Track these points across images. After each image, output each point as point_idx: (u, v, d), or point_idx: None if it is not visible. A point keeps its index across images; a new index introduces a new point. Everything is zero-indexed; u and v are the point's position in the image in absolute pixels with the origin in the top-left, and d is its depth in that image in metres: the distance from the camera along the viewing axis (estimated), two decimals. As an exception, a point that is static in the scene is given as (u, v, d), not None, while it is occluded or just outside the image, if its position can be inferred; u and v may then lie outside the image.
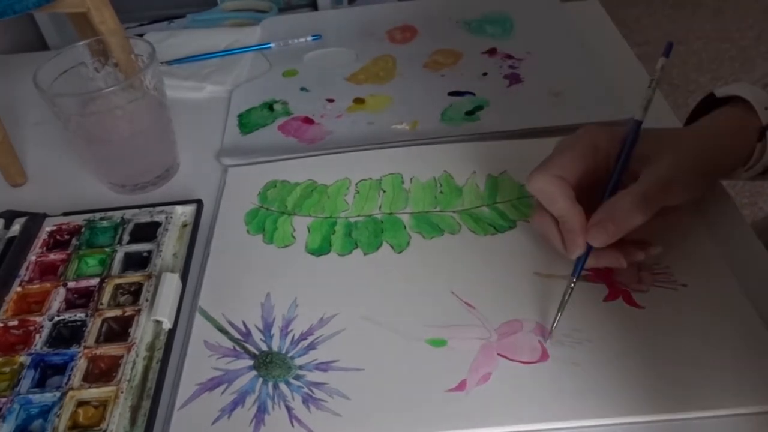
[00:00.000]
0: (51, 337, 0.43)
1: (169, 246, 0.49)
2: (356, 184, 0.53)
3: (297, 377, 0.40)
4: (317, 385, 0.40)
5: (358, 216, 0.51)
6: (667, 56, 0.46)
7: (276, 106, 0.63)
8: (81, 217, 0.51)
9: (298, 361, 0.41)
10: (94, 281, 0.46)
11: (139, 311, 0.44)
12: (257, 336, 0.43)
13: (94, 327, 0.43)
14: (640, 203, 0.39)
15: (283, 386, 0.40)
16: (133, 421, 0.39)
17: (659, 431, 0.36)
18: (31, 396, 0.39)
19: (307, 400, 0.39)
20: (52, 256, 0.48)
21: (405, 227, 0.49)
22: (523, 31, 0.71)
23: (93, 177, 0.58)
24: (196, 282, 0.47)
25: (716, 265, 0.44)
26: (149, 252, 0.48)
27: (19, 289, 0.46)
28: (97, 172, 0.57)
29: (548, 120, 0.58)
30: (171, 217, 0.51)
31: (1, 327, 0.43)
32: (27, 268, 0.47)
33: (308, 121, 0.61)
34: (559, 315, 0.40)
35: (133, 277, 0.46)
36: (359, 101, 0.63)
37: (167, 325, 0.43)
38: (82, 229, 0.50)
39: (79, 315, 0.44)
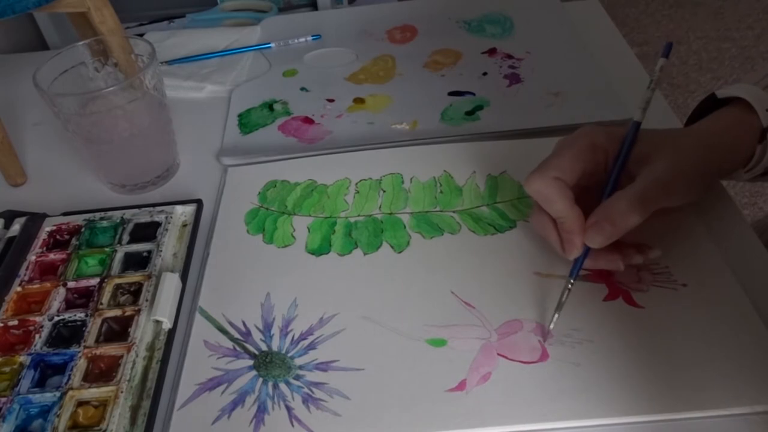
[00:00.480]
0: (51, 337, 0.43)
1: (169, 246, 0.49)
2: (356, 184, 0.53)
3: (297, 377, 0.40)
4: (317, 384, 0.40)
5: (358, 216, 0.51)
6: (666, 57, 0.46)
7: (276, 106, 0.63)
8: (81, 217, 0.51)
9: (298, 361, 0.41)
10: (94, 281, 0.46)
11: (139, 311, 0.44)
12: (257, 336, 0.43)
13: (94, 327, 0.43)
14: (637, 204, 0.39)
15: (283, 386, 0.40)
16: (133, 421, 0.39)
17: (659, 431, 0.36)
18: (31, 396, 0.39)
19: (307, 400, 0.39)
20: (52, 256, 0.48)
21: (405, 227, 0.49)
22: (522, 31, 0.71)
23: (93, 177, 0.58)
24: (196, 282, 0.47)
25: (716, 265, 0.44)
26: (149, 252, 0.48)
27: (19, 289, 0.46)
28: (96, 172, 0.57)
29: (548, 120, 0.58)
30: (171, 217, 0.51)
31: (1, 327, 0.43)
32: (27, 268, 0.47)
33: (308, 121, 0.61)
34: (556, 315, 0.40)
35: (133, 277, 0.46)
36: (359, 101, 0.63)
37: (167, 325, 0.43)
38: (82, 229, 0.50)
39: (79, 315, 0.44)
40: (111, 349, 0.42)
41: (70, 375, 0.40)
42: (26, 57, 0.78)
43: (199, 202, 0.53)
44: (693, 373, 0.38)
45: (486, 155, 0.55)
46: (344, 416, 0.38)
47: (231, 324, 0.44)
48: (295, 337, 0.42)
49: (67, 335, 0.43)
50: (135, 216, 0.51)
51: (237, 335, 0.43)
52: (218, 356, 0.42)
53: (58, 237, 0.51)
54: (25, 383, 0.40)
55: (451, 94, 0.63)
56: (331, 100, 0.64)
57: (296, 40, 0.73)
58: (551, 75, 0.64)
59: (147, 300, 0.44)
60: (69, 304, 0.45)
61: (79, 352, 0.41)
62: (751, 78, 0.46)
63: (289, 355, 0.41)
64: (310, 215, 0.51)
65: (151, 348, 0.43)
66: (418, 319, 0.42)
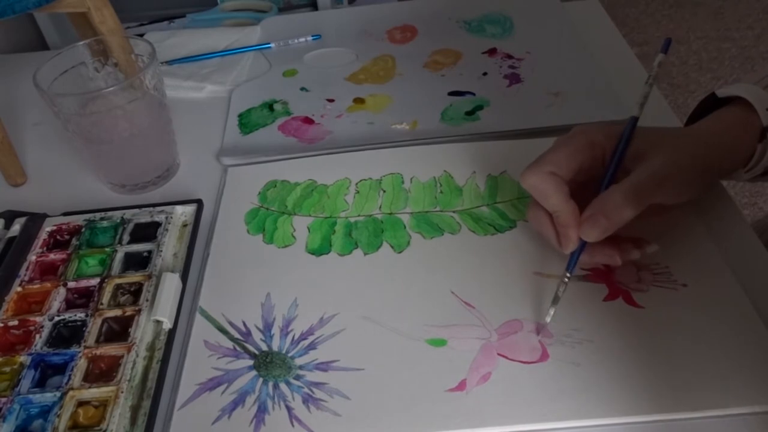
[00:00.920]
0: (51, 337, 0.43)
1: (169, 246, 0.49)
2: (356, 184, 0.53)
3: (297, 377, 0.40)
4: (317, 384, 0.40)
5: (358, 216, 0.51)
6: (665, 53, 0.46)
7: (276, 106, 0.63)
8: (81, 217, 0.51)
9: (298, 361, 0.41)
10: (94, 281, 0.46)
11: (139, 311, 0.44)
12: (257, 336, 0.43)
13: (94, 327, 0.43)
14: (632, 197, 0.39)
15: (283, 386, 0.40)
16: (133, 421, 0.39)
17: (659, 431, 0.36)
18: (31, 396, 0.39)
19: (307, 400, 0.39)
20: (52, 256, 0.48)
21: (405, 227, 0.49)
22: (522, 31, 0.71)
23: (93, 177, 0.58)
24: (196, 282, 0.47)
25: (716, 265, 0.44)
26: (149, 252, 0.48)
27: (19, 289, 0.46)
28: (97, 172, 0.57)
29: (548, 120, 0.58)
30: (171, 217, 0.51)
31: (1, 327, 0.43)
32: (27, 268, 0.47)
33: (308, 121, 0.61)
34: (552, 309, 0.40)
35: (133, 277, 0.46)
36: (359, 101, 0.63)
37: (167, 325, 0.43)
38: (82, 229, 0.50)
39: (79, 315, 0.44)
40: (111, 349, 0.42)
41: (70, 375, 0.40)
42: (26, 57, 0.78)
43: (199, 202, 0.53)
44: (693, 373, 0.38)
45: (486, 155, 0.55)
46: (344, 416, 0.38)
47: (231, 324, 0.44)
48: (296, 337, 0.42)
49: (67, 335, 0.43)
50: (135, 216, 0.51)
51: (237, 335, 0.43)
52: (218, 356, 0.42)
53: (58, 237, 0.51)
54: (26, 383, 0.40)
55: (451, 94, 0.63)
56: (331, 100, 0.64)
57: (296, 40, 0.73)
58: (551, 75, 0.64)
59: (147, 300, 0.44)
60: (69, 304, 0.45)
61: (80, 352, 0.41)
62: (751, 78, 0.46)
63: (290, 355, 0.41)
64: (310, 215, 0.51)
65: (151, 348, 0.43)
66: (418, 319, 0.42)
